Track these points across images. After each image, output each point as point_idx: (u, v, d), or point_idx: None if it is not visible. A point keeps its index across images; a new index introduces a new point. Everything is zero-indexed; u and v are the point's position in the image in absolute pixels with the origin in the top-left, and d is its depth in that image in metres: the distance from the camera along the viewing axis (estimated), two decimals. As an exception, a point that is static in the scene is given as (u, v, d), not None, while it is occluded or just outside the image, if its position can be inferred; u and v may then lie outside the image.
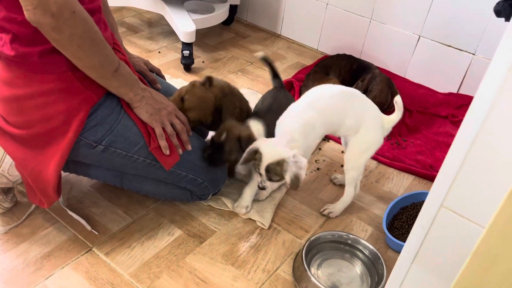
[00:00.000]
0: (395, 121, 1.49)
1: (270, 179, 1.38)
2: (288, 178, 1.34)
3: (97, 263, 1.34)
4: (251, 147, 1.38)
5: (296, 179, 1.33)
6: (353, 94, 1.49)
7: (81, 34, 1.06)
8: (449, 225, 0.85)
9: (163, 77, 1.63)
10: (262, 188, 1.43)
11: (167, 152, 1.32)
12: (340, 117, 1.45)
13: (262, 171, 1.36)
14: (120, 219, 1.49)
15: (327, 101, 1.44)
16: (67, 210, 1.43)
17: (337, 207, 1.61)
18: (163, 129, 1.31)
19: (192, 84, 1.48)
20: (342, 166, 1.87)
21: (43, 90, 1.16)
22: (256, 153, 1.37)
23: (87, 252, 1.37)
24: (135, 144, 1.29)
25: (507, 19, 1.03)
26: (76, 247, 1.38)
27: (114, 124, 1.26)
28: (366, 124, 1.46)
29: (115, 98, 1.26)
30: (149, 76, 1.51)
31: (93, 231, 1.42)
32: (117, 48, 1.36)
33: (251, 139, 1.43)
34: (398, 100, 1.45)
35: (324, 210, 1.61)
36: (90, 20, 1.08)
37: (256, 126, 1.51)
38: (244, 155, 1.39)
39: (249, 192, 1.55)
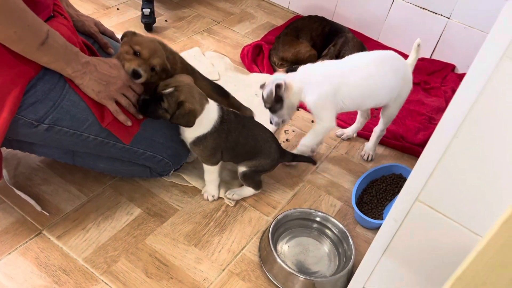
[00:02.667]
0: (414, 63, 1.56)
1: (267, 108, 1.51)
2: (264, 93, 1.47)
3: (48, 248, 1.24)
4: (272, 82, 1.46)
5: (269, 97, 1.46)
6: (390, 58, 1.51)
7: None
8: (424, 219, 0.80)
9: (117, 40, 1.47)
10: (271, 122, 1.56)
11: (129, 124, 1.21)
12: (383, 82, 1.47)
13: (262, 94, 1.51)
14: (73, 198, 1.38)
15: (365, 66, 1.47)
16: (14, 189, 1.31)
17: (373, 148, 1.72)
18: (117, 102, 1.19)
19: (132, 33, 1.28)
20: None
21: None
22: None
23: (36, 235, 1.27)
24: (83, 121, 1.16)
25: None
26: (25, 230, 1.27)
27: (57, 100, 1.12)
28: (405, 85, 1.51)
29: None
30: (100, 40, 1.35)
31: (44, 212, 1.31)
32: (59, 10, 1.19)
33: (190, 113, 1.22)
34: (419, 43, 1.54)
35: (366, 157, 1.73)
36: None
37: (210, 109, 1.30)
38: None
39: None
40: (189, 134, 1.30)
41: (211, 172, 1.41)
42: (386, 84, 1.47)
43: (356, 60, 1.50)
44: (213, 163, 1.38)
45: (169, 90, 1.21)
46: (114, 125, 1.21)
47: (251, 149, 1.38)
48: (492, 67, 0.61)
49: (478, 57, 0.62)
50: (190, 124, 1.24)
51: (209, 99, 1.31)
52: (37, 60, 1.05)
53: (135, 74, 1.21)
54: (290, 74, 1.50)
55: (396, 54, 1.53)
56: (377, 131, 1.67)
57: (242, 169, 1.42)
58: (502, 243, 0.42)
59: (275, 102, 1.47)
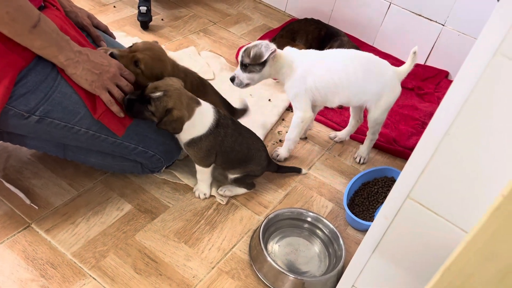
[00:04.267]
0: (407, 71, 1.57)
1: (241, 64, 1.48)
2: (253, 51, 1.45)
3: (36, 241, 1.23)
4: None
5: (258, 55, 1.44)
6: (365, 59, 1.53)
7: None
8: (414, 217, 0.80)
9: (111, 35, 1.46)
10: (231, 79, 1.51)
11: (122, 115, 1.21)
12: (352, 82, 1.49)
13: (241, 53, 1.49)
14: (64, 192, 1.37)
15: (333, 61, 1.51)
16: (3, 181, 1.29)
17: (365, 152, 1.72)
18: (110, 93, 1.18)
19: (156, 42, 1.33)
20: (305, 138, 1.80)
21: None
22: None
23: (25, 228, 1.25)
24: (75, 114, 1.15)
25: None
26: (13, 223, 1.25)
27: (49, 92, 1.11)
28: (386, 90, 1.52)
29: (50, 62, 1.11)
30: (92, 33, 1.34)
31: (33, 205, 1.30)
32: (50, 0, 1.19)
33: (178, 120, 1.21)
34: (416, 51, 1.54)
35: (358, 160, 1.73)
36: None
37: (204, 112, 1.29)
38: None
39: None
40: (184, 135, 1.29)
41: (204, 172, 1.40)
42: (354, 83, 1.49)
43: (329, 54, 1.55)
44: (206, 165, 1.37)
45: (158, 94, 1.20)
46: (106, 117, 1.20)
47: (244, 157, 1.39)
48: (483, 65, 0.62)
49: (470, 55, 0.62)
50: (177, 131, 1.24)
51: (201, 101, 1.29)
52: (30, 45, 1.03)
53: (111, 55, 1.22)
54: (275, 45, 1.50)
55: (378, 58, 1.54)
56: (369, 135, 1.68)
57: (233, 175, 1.42)
58: (490, 234, 0.42)
59: (258, 63, 1.46)
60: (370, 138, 1.68)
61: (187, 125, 1.25)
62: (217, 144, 1.32)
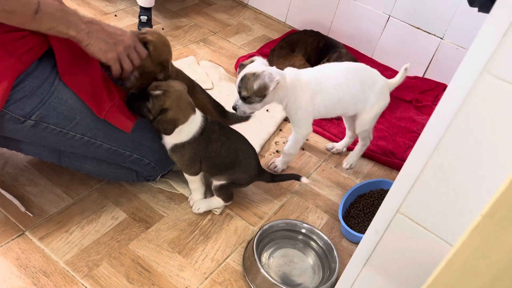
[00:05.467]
0: (396, 84, 1.59)
1: (241, 96, 1.39)
2: (255, 85, 1.35)
3: (29, 249, 1.23)
4: (252, 58, 1.42)
5: (263, 88, 1.35)
6: (359, 69, 1.54)
7: None
8: (404, 232, 0.80)
9: None
10: (234, 108, 1.43)
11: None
12: (351, 92, 1.50)
13: (237, 82, 1.39)
14: (59, 200, 1.37)
15: (335, 75, 1.50)
16: (-1, 188, 1.30)
17: (354, 158, 1.73)
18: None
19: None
20: (303, 149, 1.80)
21: None
22: (250, 62, 1.41)
23: (19, 236, 1.25)
24: (70, 120, 1.16)
25: (482, 9, 0.96)
26: (7, 230, 1.26)
27: (45, 97, 1.11)
28: (375, 98, 1.54)
29: (48, 67, 1.12)
30: None
31: (27, 212, 1.30)
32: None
33: (170, 122, 1.22)
34: (407, 68, 1.57)
35: (346, 165, 1.74)
36: None
37: (194, 120, 1.28)
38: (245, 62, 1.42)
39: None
40: (168, 140, 1.29)
41: (193, 181, 1.40)
42: (353, 94, 1.51)
43: (328, 70, 1.54)
44: (192, 173, 1.36)
45: (157, 92, 1.21)
46: (112, 114, 1.20)
47: (231, 162, 1.37)
48: (472, 81, 0.62)
49: (459, 71, 0.63)
50: (168, 132, 1.24)
51: (197, 111, 1.30)
52: (38, 29, 1.03)
53: None
54: (276, 70, 1.41)
55: (369, 68, 1.57)
56: (359, 142, 1.70)
57: (218, 181, 1.40)
58: (471, 252, 0.42)
59: (261, 96, 1.39)
60: (361, 144, 1.70)
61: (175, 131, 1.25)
62: (200, 150, 1.31)
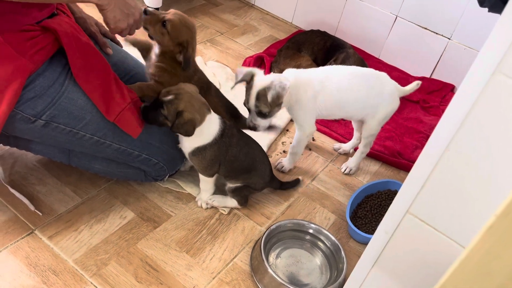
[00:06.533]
0: (406, 93, 1.60)
1: (259, 113, 1.38)
2: (269, 98, 1.34)
3: (38, 248, 1.24)
4: (248, 70, 1.38)
5: (276, 98, 1.35)
6: (366, 75, 1.54)
7: None
8: (414, 232, 0.80)
9: (118, 43, 1.48)
10: (252, 127, 1.42)
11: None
12: (356, 97, 1.50)
13: (252, 103, 1.37)
14: (68, 199, 1.38)
15: (339, 78, 1.49)
16: (9, 187, 1.30)
17: (354, 164, 1.71)
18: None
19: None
20: (309, 149, 1.80)
21: None
22: (252, 78, 1.37)
23: (28, 234, 1.26)
24: (80, 120, 1.17)
25: (492, 10, 0.96)
26: (17, 229, 1.27)
27: (56, 97, 1.12)
28: (383, 103, 1.53)
29: (58, 67, 1.13)
30: (99, 39, 1.36)
31: (37, 211, 1.31)
32: (61, 8, 1.21)
33: (189, 122, 1.22)
34: (418, 84, 1.60)
35: (346, 170, 1.72)
36: None
37: (212, 120, 1.29)
38: (241, 76, 1.38)
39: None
40: (189, 143, 1.30)
41: (207, 182, 1.41)
42: (358, 99, 1.51)
43: (332, 72, 1.53)
44: (209, 174, 1.38)
45: (169, 97, 1.22)
46: (122, 118, 1.21)
47: (248, 167, 1.39)
48: (484, 82, 0.62)
49: (471, 71, 0.63)
50: (189, 133, 1.24)
51: (211, 111, 1.30)
52: (63, 2, 1.02)
53: (144, 11, 1.24)
54: (275, 74, 1.43)
55: (377, 72, 1.56)
56: (361, 147, 1.68)
57: (234, 185, 1.42)
58: (484, 253, 0.42)
59: (278, 105, 1.39)
60: (361, 150, 1.69)
61: (195, 132, 1.25)
62: (221, 154, 1.33)
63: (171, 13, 1.29)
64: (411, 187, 0.76)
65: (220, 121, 1.32)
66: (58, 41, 1.11)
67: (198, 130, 1.26)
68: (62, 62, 1.14)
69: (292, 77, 1.44)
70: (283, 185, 1.56)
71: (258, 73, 1.40)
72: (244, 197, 1.45)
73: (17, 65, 1.05)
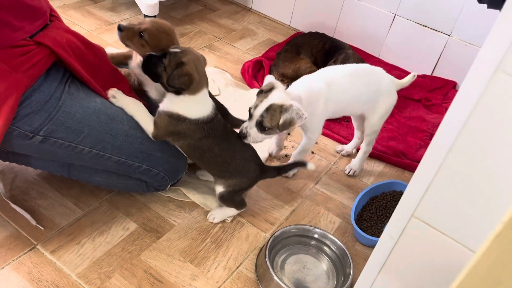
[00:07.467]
0: (404, 85, 1.61)
1: (260, 125, 1.30)
2: (282, 119, 1.28)
3: (41, 263, 1.22)
4: (270, 81, 1.34)
5: (289, 123, 1.29)
6: (365, 70, 1.54)
7: None
8: (420, 236, 0.78)
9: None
10: (243, 136, 1.32)
11: None
12: (357, 95, 1.50)
13: (258, 111, 1.29)
14: (69, 212, 1.37)
15: (341, 79, 1.48)
16: (10, 202, 1.29)
17: (357, 165, 1.70)
18: None
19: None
20: (312, 152, 1.79)
21: None
22: (271, 89, 1.31)
23: (30, 250, 1.25)
24: (78, 133, 1.16)
25: (491, 6, 0.94)
26: (19, 245, 1.26)
27: (53, 112, 1.11)
28: (382, 98, 1.53)
29: (55, 81, 1.12)
30: None
31: (38, 226, 1.30)
32: (55, 14, 1.20)
33: (187, 76, 1.17)
34: (414, 75, 1.61)
35: (350, 172, 1.70)
36: None
37: (206, 99, 1.26)
38: (264, 86, 1.33)
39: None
40: (172, 104, 1.23)
41: (135, 111, 1.28)
42: (359, 97, 1.51)
43: (333, 75, 1.50)
44: (161, 136, 1.27)
45: (176, 50, 1.20)
46: None
47: (224, 164, 1.32)
48: (485, 81, 0.60)
49: (471, 70, 0.61)
50: (185, 85, 1.19)
51: (208, 88, 1.27)
52: None
53: (118, 27, 1.26)
54: (295, 100, 1.34)
55: (372, 67, 1.56)
56: (363, 146, 1.67)
57: (219, 189, 1.37)
58: (493, 261, 0.40)
59: (280, 128, 1.32)
60: (364, 149, 1.67)
61: (185, 99, 1.21)
62: (195, 136, 1.26)
63: (145, 23, 1.28)
64: (415, 191, 0.74)
65: (213, 108, 1.28)
66: (54, 53, 1.10)
67: (189, 97, 1.21)
68: (58, 76, 1.13)
69: (304, 91, 1.40)
70: (280, 170, 1.47)
71: (280, 87, 1.33)
72: (239, 202, 1.41)
73: (11, 81, 1.04)
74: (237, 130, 1.37)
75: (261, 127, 1.30)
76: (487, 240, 0.41)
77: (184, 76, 1.18)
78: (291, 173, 1.64)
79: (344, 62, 2.03)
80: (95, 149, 1.19)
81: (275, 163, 1.70)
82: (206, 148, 1.29)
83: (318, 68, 2.10)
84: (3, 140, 1.05)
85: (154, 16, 2.18)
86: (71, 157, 1.20)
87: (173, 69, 1.18)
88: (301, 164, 1.46)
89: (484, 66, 0.59)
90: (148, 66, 1.22)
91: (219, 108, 1.48)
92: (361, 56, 2.18)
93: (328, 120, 1.71)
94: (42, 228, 1.30)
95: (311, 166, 1.43)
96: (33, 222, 1.29)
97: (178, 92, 1.21)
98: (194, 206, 1.47)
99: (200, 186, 1.52)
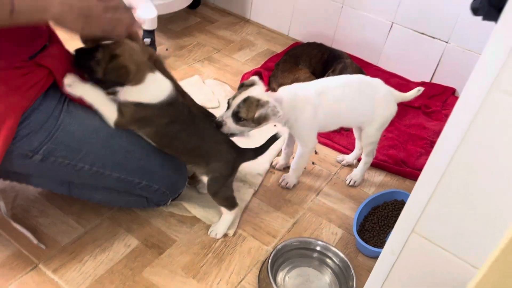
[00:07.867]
0: (406, 99, 1.60)
1: (236, 115, 1.33)
2: (257, 113, 1.32)
3: (43, 282, 1.22)
4: (252, 78, 1.37)
5: (263, 118, 1.32)
6: (360, 81, 1.53)
7: None
8: (421, 252, 0.77)
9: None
10: (218, 122, 1.33)
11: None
12: (350, 106, 1.50)
13: (236, 101, 1.33)
14: (71, 230, 1.37)
15: (334, 90, 1.49)
16: (11, 221, 1.29)
17: (358, 175, 1.70)
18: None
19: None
20: (313, 163, 1.79)
21: None
22: (251, 84, 1.36)
23: (32, 269, 1.25)
24: (78, 152, 1.16)
25: (486, 18, 0.94)
26: (20, 264, 1.25)
27: (52, 131, 1.12)
28: (378, 110, 1.52)
29: (53, 100, 1.12)
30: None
31: (40, 244, 1.29)
32: (52, 35, 1.21)
33: (122, 68, 1.11)
34: (420, 90, 1.59)
35: (350, 183, 1.70)
36: None
37: (158, 82, 1.20)
38: (246, 81, 1.36)
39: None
40: (129, 95, 1.18)
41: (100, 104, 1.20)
42: (353, 108, 1.51)
43: (326, 84, 1.51)
44: (120, 123, 1.21)
45: (108, 42, 1.12)
46: None
47: (195, 149, 1.30)
48: (480, 100, 0.60)
49: (466, 89, 0.61)
50: (121, 79, 1.14)
51: (156, 72, 1.21)
52: (16, 24, 0.96)
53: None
54: (273, 98, 1.36)
55: (369, 78, 1.56)
56: (363, 157, 1.66)
57: (204, 179, 1.34)
58: (499, 276, 0.40)
59: (257, 123, 1.35)
60: (364, 160, 1.67)
61: (137, 89, 1.16)
62: (159, 123, 1.23)
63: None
64: (415, 206, 0.74)
65: (172, 91, 1.23)
66: (52, 74, 1.11)
67: (138, 88, 1.16)
68: (57, 95, 1.14)
69: (286, 97, 1.42)
70: (259, 150, 1.40)
71: (259, 84, 1.39)
72: (229, 198, 1.38)
73: (11, 103, 1.04)
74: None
75: (236, 117, 1.33)
76: (491, 255, 0.41)
77: (120, 69, 1.12)
78: (291, 185, 1.63)
79: (342, 71, 2.03)
80: (95, 167, 1.20)
81: (276, 174, 1.70)
82: (173, 134, 1.26)
83: (317, 78, 2.11)
84: (3, 160, 1.06)
85: (153, 31, 2.19)
86: (71, 175, 1.20)
87: (106, 63, 1.11)
88: (274, 138, 1.40)
89: (478, 84, 0.59)
90: (80, 60, 1.14)
91: (202, 110, 1.46)
92: (360, 65, 2.19)
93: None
94: (44, 247, 1.30)
95: (279, 133, 1.39)
96: (35, 241, 1.29)
97: (120, 85, 1.15)
98: (196, 220, 1.47)
99: (201, 200, 1.52)
